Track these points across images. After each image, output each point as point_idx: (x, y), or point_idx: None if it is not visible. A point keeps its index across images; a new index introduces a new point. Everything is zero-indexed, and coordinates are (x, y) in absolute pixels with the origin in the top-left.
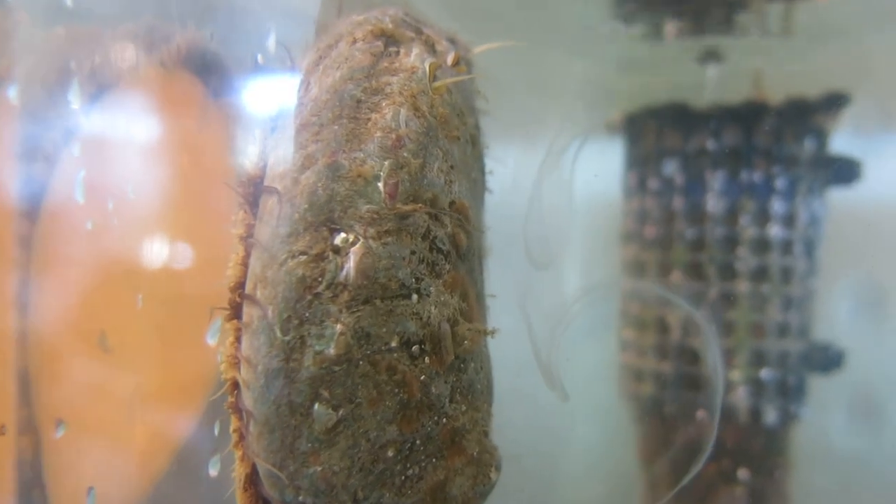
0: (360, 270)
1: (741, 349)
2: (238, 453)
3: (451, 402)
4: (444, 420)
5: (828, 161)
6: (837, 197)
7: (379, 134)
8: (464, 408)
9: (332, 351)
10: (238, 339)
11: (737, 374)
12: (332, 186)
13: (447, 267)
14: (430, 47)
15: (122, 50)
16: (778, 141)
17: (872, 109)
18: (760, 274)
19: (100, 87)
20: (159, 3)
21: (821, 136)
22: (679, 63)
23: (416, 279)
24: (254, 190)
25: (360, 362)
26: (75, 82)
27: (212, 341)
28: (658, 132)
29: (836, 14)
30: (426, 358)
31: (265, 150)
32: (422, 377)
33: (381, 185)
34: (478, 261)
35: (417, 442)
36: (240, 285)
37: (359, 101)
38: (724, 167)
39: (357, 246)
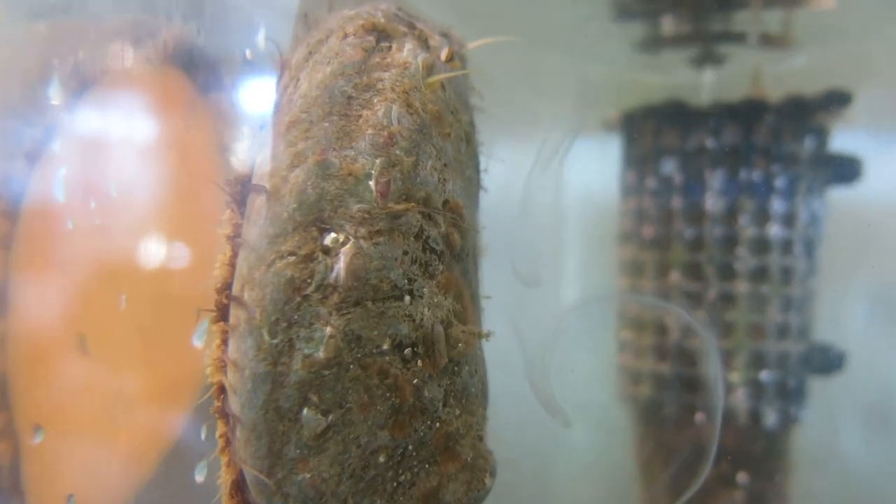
0: (351, 271)
1: (740, 350)
2: (224, 459)
3: (444, 406)
4: (438, 425)
5: (828, 160)
6: (838, 196)
7: (370, 131)
8: (458, 412)
9: (321, 354)
10: (225, 342)
11: (736, 376)
12: (322, 185)
13: (441, 267)
14: (424, 42)
15: (107, 45)
16: (777, 139)
17: (873, 107)
18: (760, 274)
19: (83, 83)
20: None
21: (821, 135)
22: (676, 64)
23: (409, 280)
24: (242, 188)
25: (351, 366)
26: (56, 78)
27: (198, 343)
28: (656, 130)
29: (834, 16)
30: (419, 361)
31: (254, 148)
32: (414, 381)
33: (372, 183)
34: (472, 261)
35: (410, 447)
36: (227, 286)
37: (349, 98)
38: (723, 166)
39: (347, 246)
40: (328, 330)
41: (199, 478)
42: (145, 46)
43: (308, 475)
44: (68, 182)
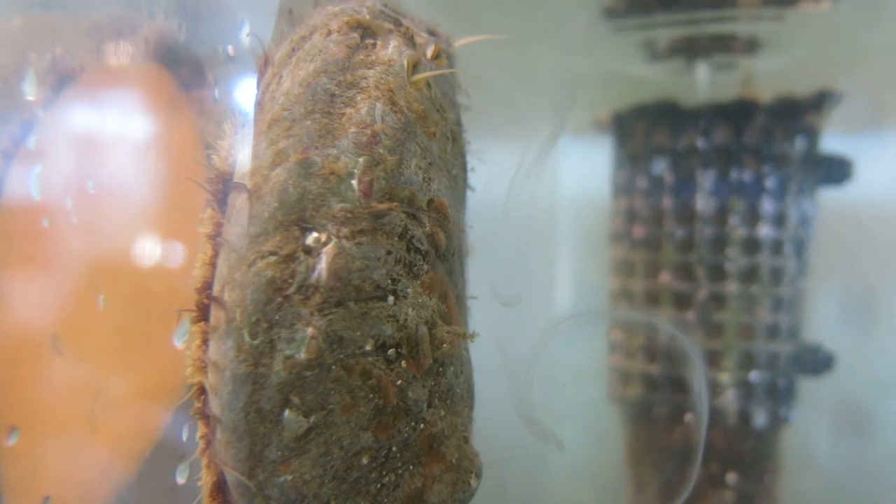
0: (333, 271)
1: (730, 351)
2: (205, 461)
3: (429, 407)
4: (422, 426)
5: (818, 160)
6: (828, 197)
7: (353, 129)
8: (443, 413)
9: (302, 355)
10: (205, 342)
11: (726, 377)
12: (304, 184)
13: (425, 267)
14: (409, 40)
15: (87, 41)
16: (768, 140)
17: (864, 108)
18: (750, 274)
19: (61, 79)
20: None
21: (811, 135)
22: (668, 64)
23: (393, 280)
24: (223, 186)
25: (333, 367)
26: (32, 73)
27: (179, 343)
28: (647, 130)
29: (826, 18)
30: (403, 362)
31: (235, 146)
32: (398, 382)
33: (355, 182)
34: (458, 261)
35: (394, 449)
36: (207, 286)
37: (333, 96)
38: (713, 166)
39: (329, 246)
40: (310, 331)
41: (181, 479)
42: (126, 42)
43: (290, 477)
44: (44, 179)
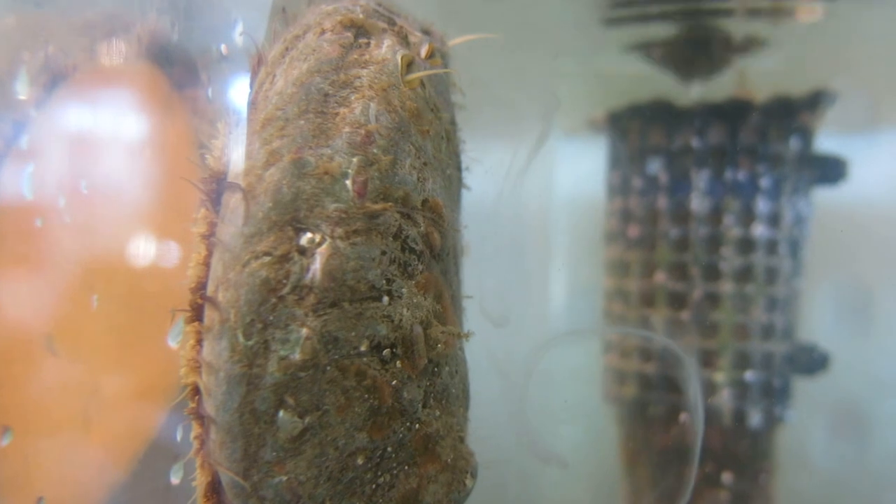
0: (327, 272)
1: (725, 351)
2: (199, 461)
3: (424, 407)
4: (417, 426)
5: (813, 160)
6: (823, 196)
7: (347, 129)
8: (438, 413)
9: (297, 356)
10: (199, 342)
11: (721, 376)
12: (298, 184)
13: (420, 267)
14: (403, 39)
15: (80, 39)
16: (763, 139)
17: (858, 108)
18: (745, 274)
19: (54, 78)
20: None
21: (806, 135)
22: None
23: (387, 280)
24: (217, 186)
25: (328, 368)
26: (24, 72)
27: (173, 343)
28: (642, 130)
29: (821, 19)
30: (398, 362)
31: (229, 145)
32: (393, 382)
33: (349, 182)
34: (453, 261)
35: (389, 449)
36: (201, 286)
37: (326, 95)
38: (708, 166)
39: (324, 246)
40: (304, 331)
41: (175, 479)
42: (119, 41)
43: (284, 478)
44: (37, 179)
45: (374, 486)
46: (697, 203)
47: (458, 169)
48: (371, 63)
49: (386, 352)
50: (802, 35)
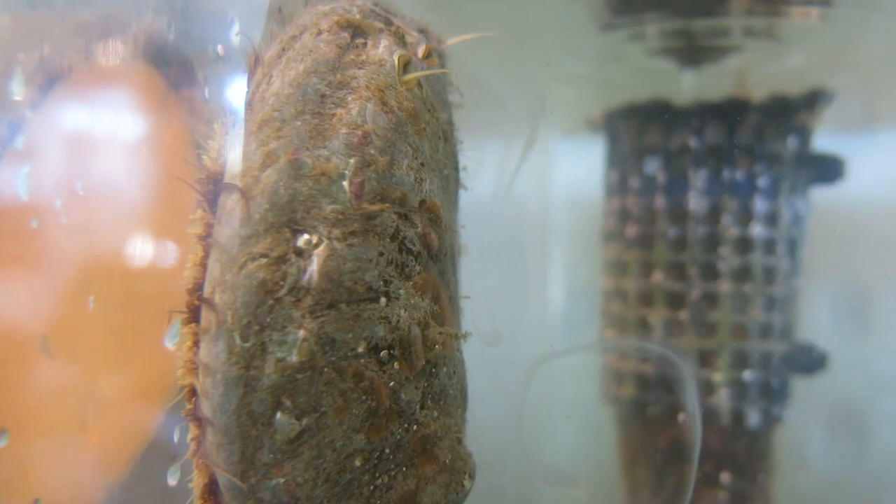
0: (324, 273)
1: (723, 350)
2: (196, 462)
3: (422, 408)
4: (415, 427)
5: (811, 159)
6: (820, 195)
7: (344, 130)
8: (436, 414)
9: (294, 358)
10: (196, 344)
11: (719, 376)
12: (295, 185)
13: (417, 268)
14: (400, 39)
15: (75, 40)
16: (760, 139)
17: (855, 107)
18: (743, 274)
19: (49, 78)
20: None
21: (803, 134)
22: (660, 64)
23: (385, 282)
24: (213, 187)
25: (325, 369)
26: (19, 73)
27: (170, 345)
28: (640, 130)
29: (818, 19)
30: (395, 363)
31: (226, 146)
32: (391, 383)
33: (346, 183)
34: (451, 261)
35: (387, 450)
36: (198, 287)
37: (323, 96)
38: (706, 165)
39: (321, 248)
40: (301, 333)
41: (172, 481)
42: (115, 41)
43: (282, 480)
44: (33, 180)
45: (371, 487)
46: (695, 203)
47: (456, 169)
48: (368, 63)
49: (383, 353)
50: (800, 35)
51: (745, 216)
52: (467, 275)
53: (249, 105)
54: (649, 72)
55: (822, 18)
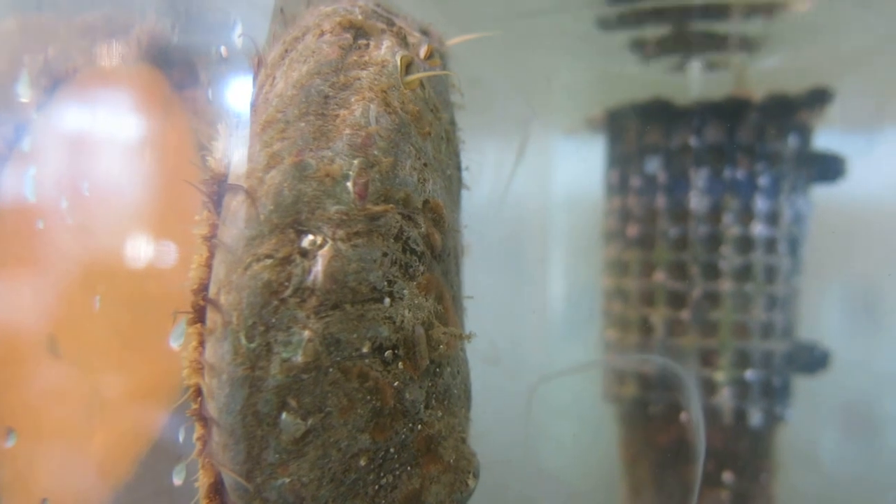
0: (329, 274)
1: (725, 349)
2: (201, 462)
3: (426, 408)
4: (420, 427)
5: (811, 158)
6: (821, 194)
7: (348, 131)
8: (440, 414)
9: (299, 358)
10: (201, 344)
11: (720, 375)
12: (299, 187)
13: (421, 269)
14: (402, 39)
15: (80, 42)
16: (761, 138)
17: (856, 106)
18: (744, 273)
19: (54, 80)
20: None
21: (804, 133)
22: (660, 64)
23: (389, 282)
24: (218, 188)
25: (330, 370)
26: (25, 75)
27: (175, 345)
28: (640, 129)
29: (815, 16)
30: (400, 363)
31: (230, 147)
32: (395, 383)
33: (350, 184)
34: (454, 261)
35: (391, 450)
36: (203, 288)
37: (326, 97)
38: (707, 164)
39: (325, 248)
40: (306, 334)
41: (177, 480)
42: (119, 43)
43: (287, 480)
44: (39, 181)
45: (376, 487)
46: (696, 202)
47: (458, 169)
48: (370, 64)
49: (388, 353)
50: (800, 32)
51: (746, 215)
52: (469, 275)
53: (253, 107)
54: (650, 71)
55: (821, 16)
